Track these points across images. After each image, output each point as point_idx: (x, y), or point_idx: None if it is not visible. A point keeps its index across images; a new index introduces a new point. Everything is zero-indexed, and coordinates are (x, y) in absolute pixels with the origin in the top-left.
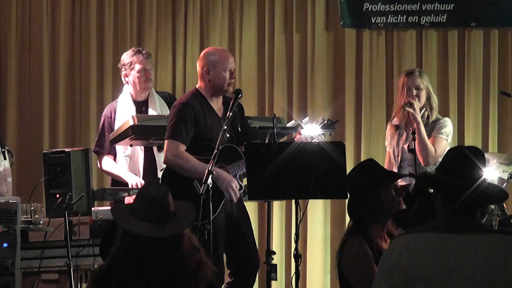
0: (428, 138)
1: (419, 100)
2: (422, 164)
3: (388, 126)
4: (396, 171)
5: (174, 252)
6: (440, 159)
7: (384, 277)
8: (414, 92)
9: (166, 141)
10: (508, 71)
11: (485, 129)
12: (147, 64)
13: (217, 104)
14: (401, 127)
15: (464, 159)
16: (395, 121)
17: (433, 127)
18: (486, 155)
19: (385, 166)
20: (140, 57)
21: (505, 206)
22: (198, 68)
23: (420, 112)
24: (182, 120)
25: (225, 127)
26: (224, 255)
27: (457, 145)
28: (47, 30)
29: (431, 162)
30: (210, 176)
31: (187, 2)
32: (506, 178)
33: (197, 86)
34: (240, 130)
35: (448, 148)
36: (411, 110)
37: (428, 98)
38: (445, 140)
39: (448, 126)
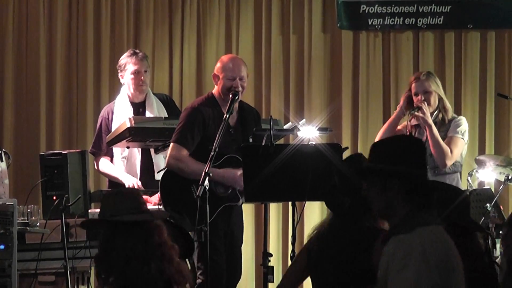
0: (445, 138)
1: (429, 104)
2: (440, 166)
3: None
4: None
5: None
6: (458, 160)
7: (435, 271)
8: (422, 97)
9: (171, 144)
10: (505, 73)
11: (482, 131)
12: (141, 66)
13: None
14: (414, 130)
15: (415, 147)
16: (401, 126)
17: (449, 127)
18: (483, 157)
19: None
20: (134, 59)
21: (501, 208)
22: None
23: (433, 115)
24: (189, 125)
25: (221, 129)
26: None
27: (402, 135)
28: (44, 32)
29: (448, 163)
30: (207, 178)
31: (184, 4)
32: (503, 180)
33: (213, 91)
34: (251, 140)
35: (465, 147)
36: (420, 114)
37: (440, 100)
38: (461, 139)
39: (463, 125)
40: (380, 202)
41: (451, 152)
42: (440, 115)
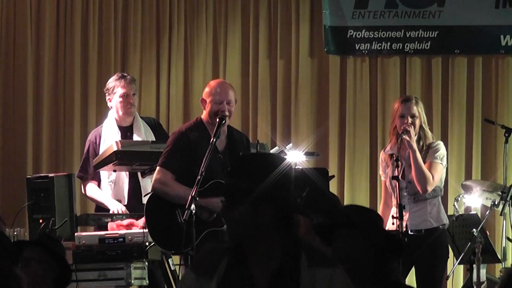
0: (424, 163)
1: (414, 128)
2: (420, 192)
3: (382, 156)
4: (396, 201)
5: None
6: (438, 184)
7: None
8: (410, 120)
9: (157, 168)
10: (492, 98)
11: (468, 156)
12: (130, 89)
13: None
14: (396, 156)
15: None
16: (388, 150)
17: (427, 153)
18: (469, 183)
19: (382, 196)
20: (123, 82)
21: (488, 233)
22: None
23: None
24: (175, 149)
25: (208, 153)
26: None
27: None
28: (31, 55)
29: (429, 189)
30: (194, 202)
31: (172, 27)
32: (489, 205)
33: (201, 116)
34: None
35: (443, 171)
36: (407, 138)
37: (421, 126)
38: (440, 164)
39: (441, 150)
40: (243, 228)
41: (432, 177)
42: (421, 142)
